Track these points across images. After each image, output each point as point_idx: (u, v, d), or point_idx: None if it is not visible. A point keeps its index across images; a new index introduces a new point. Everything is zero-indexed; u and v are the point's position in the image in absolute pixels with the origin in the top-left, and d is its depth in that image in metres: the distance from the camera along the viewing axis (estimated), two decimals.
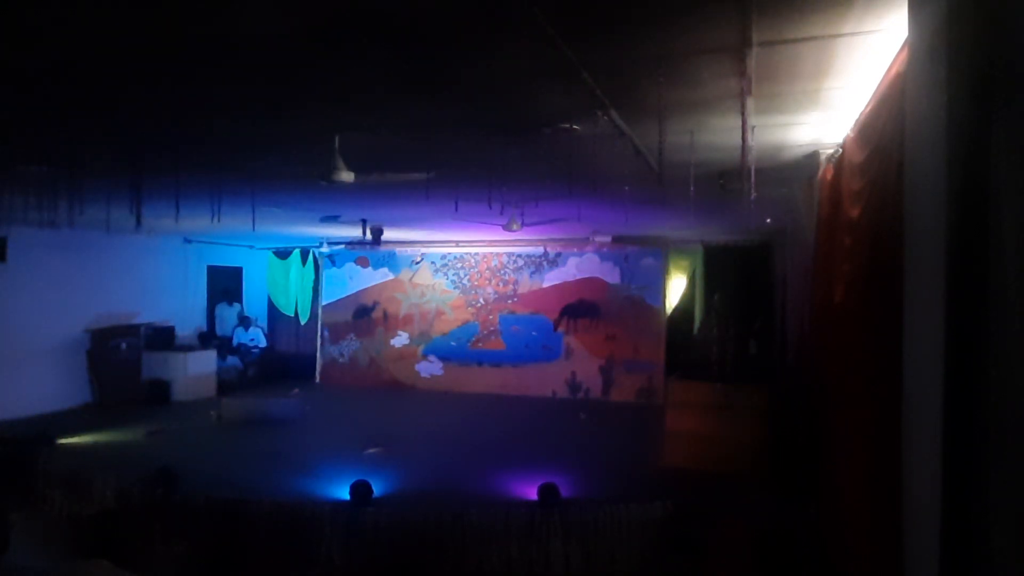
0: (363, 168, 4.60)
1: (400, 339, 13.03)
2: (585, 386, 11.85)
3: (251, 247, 13.91)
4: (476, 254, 12.59)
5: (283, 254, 13.66)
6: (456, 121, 4.00)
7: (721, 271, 11.08)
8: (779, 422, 7.04)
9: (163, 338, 11.48)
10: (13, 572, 2.72)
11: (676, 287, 11.76)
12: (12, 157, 5.15)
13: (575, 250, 11.97)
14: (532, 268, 12.28)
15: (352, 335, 13.36)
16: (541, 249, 12.05)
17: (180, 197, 6.18)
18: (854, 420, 3.29)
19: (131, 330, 11.07)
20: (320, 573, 5.37)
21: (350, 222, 9.60)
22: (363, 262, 13.36)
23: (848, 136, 3.94)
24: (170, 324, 11.78)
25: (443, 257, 12.82)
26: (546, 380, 12.02)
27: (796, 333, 7.09)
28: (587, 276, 11.97)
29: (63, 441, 8.05)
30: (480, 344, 12.55)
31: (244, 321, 13.10)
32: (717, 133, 4.19)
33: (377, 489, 6.02)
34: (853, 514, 3.30)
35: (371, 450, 7.89)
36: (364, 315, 13.30)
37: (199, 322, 12.78)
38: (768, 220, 8.53)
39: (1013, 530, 1.41)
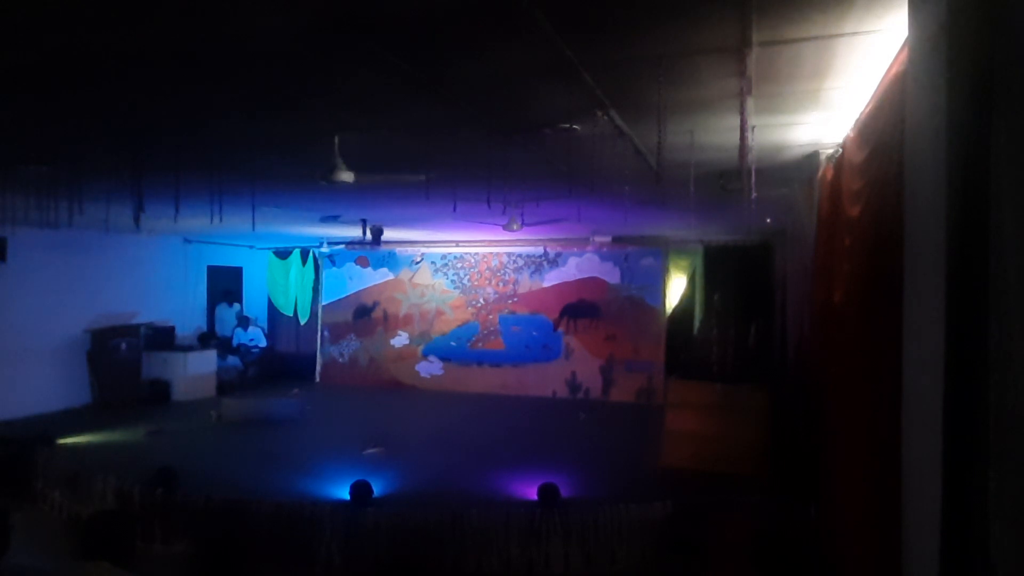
0: (363, 168, 4.60)
1: (400, 339, 13.04)
2: (585, 386, 11.85)
3: (251, 247, 13.91)
4: (476, 254, 12.59)
5: (283, 254, 13.66)
6: (456, 121, 4.00)
7: (721, 271, 11.10)
8: (779, 422, 7.04)
9: (163, 338, 11.49)
10: (13, 572, 2.72)
11: (676, 287, 11.77)
12: (12, 157, 5.15)
13: (575, 250, 11.98)
14: (532, 268, 12.28)
15: (352, 335, 13.36)
16: (541, 249, 12.06)
17: (180, 197, 6.18)
18: (854, 420, 3.29)
19: (131, 330, 11.08)
20: (320, 573, 5.37)
21: (350, 222, 9.60)
22: (363, 262, 13.37)
23: (848, 136, 3.94)
24: (170, 324, 11.78)
25: (443, 257, 12.83)
26: (546, 380, 12.02)
27: (796, 333, 7.09)
28: (587, 276, 11.98)
29: (63, 441, 8.05)
30: (480, 344, 12.55)
31: (243, 321, 13.10)
32: (717, 133, 4.19)
33: (377, 489, 6.03)
34: (853, 514, 3.30)
35: (371, 450, 7.89)
36: (364, 315, 13.30)
37: (199, 322, 12.79)
38: (768, 220, 8.53)
39: (1013, 530, 1.41)
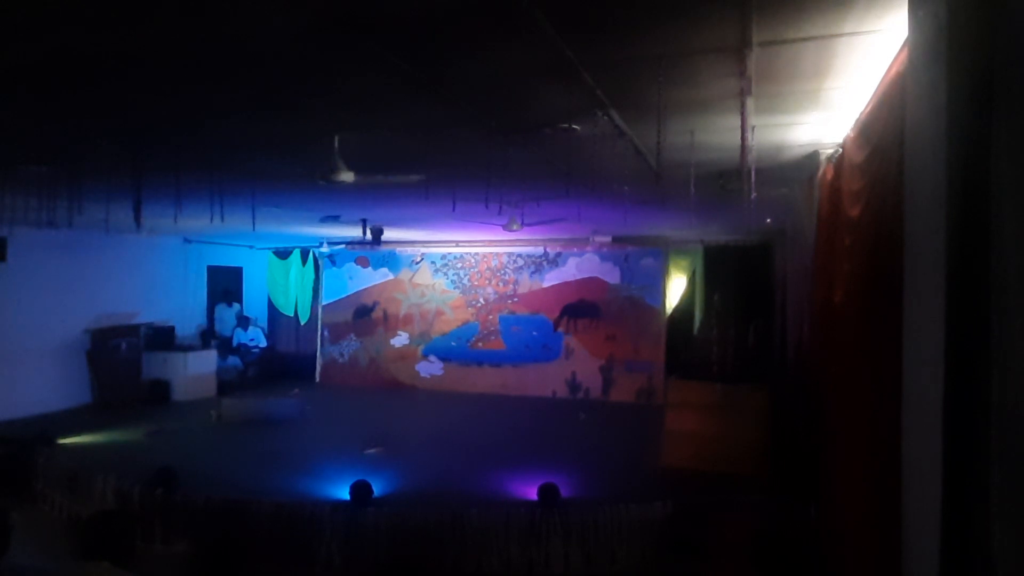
0: (363, 168, 4.60)
1: (400, 339, 13.04)
2: (585, 386, 11.85)
3: (251, 247, 13.91)
4: (476, 254, 12.59)
5: (283, 254, 13.66)
6: (456, 121, 4.00)
7: (721, 271, 11.10)
8: (779, 422, 7.04)
9: (163, 338, 11.48)
10: (13, 572, 2.72)
11: (676, 287, 11.77)
12: (12, 157, 5.15)
13: (575, 250, 11.97)
14: (532, 268, 12.28)
15: (352, 335, 13.36)
16: (541, 249, 12.06)
17: (180, 197, 6.18)
18: (854, 420, 3.29)
19: (131, 330, 11.08)
20: (320, 573, 5.37)
21: (350, 222, 9.60)
22: (363, 262, 13.37)
23: (848, 136, 3.94)
24: (170, 324, 11.78)
25: (443, 257, 12.83)
26: (546, 380, 12.02)
27: (796, 333, 7.09)
28: (587, 276, 11.98)
29: (63, 441, 8.05)
30: (480, 344, 12.55)
31: (243, 321, 13.09)
32: (717, 133, 4.19)
33: (377, 489, 6.03)
34: (853, 514, 3.30)
35: (371, 450, 7.89)
36: (364, 315, 13.30)
37: (199, 322, 12.79)
38: (768, 220, 8.53)
39: (1014, 531, 1.41)
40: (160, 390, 10.93)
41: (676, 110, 3.61)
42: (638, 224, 9.38)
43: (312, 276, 13.57)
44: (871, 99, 3.23)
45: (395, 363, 13.03)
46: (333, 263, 13.58)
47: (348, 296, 13.46)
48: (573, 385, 11.92)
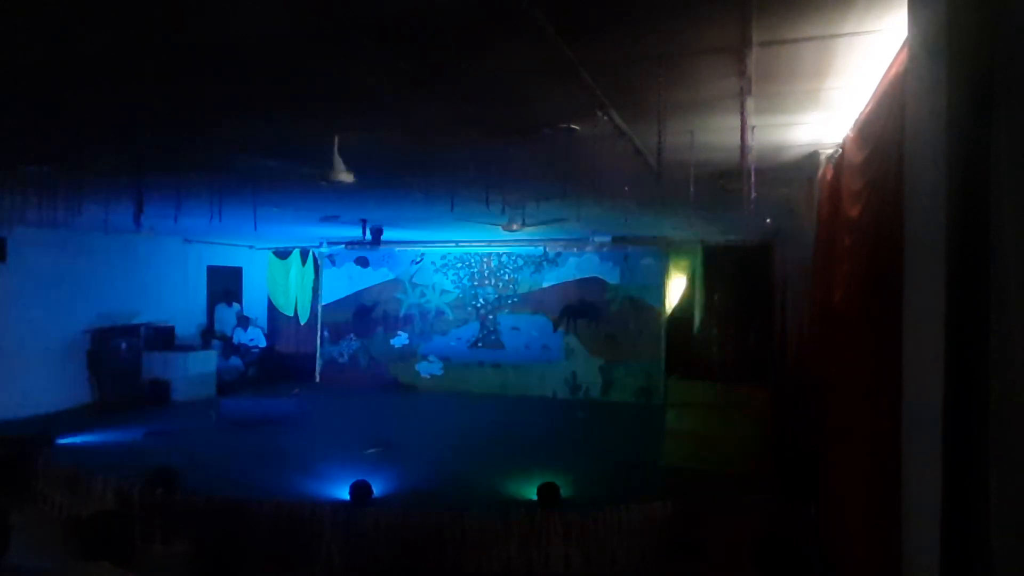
0: (363, 168, 4.60)
1: (400, 339, 13.03)
2: (585, 386, 11.85)
3: (251, 247, 13.91)
4: (476, 254, 12.59)
5: (283, 254, 13.66)
6: (456, 121, 4.00)
7: (721, 271, 11.10)
8: (779, 422, 7.04)
9: (163, 338, 11.48)
10: (13, 572, 2.72)
11: (676, 287, 11.76)
12: (12, 157, 5.15)
13: (575, 250, 11.97)
14: (532, 268, 12.27)
15: (352, 335, 13.36)
16: (541, 249, 12.05)
17: (180, 197, 6.18)
18: (854, 420, 3.29)
19: (131, 330, 11.07)
20: (320, 573, 5.38)
21: (350, 222, 9.59)
22: (363, 262, 13.36)
23: (848, 136, 3.94)
24: (170, 324, 11.78)
25: (443, 257, 12.83)
26: (546, 380, 12.01)
27: (796, 333, 7.09)
28: (587, 276, 11.98)
29: (63, 441, 8.05)
30: (480, 344, 12.54)
31: (243, 321, 13.09)
32: (717, 133, 4.18)
33: (377, 489, 6.03)
34: (853, 514, 3.30)
35: (371, 450, 7.89)
36: (364, 315, 13.30)
37: (199, 322, 12.79)
38: (768, 220, 8.52)
39: (1013, 531, 1.41)
40: (160, 390, 10.92)
41: (676, 110, 3.60)
42: (638, 224, 9.37)
43: (312, 276, 13.56)
44: (871, 99, 3.23)
45: (395, 363, 13.03)
46: (333, 263, 13.58)
47: (348, 296, 13.46)
48: (573, 385, 11.92)
